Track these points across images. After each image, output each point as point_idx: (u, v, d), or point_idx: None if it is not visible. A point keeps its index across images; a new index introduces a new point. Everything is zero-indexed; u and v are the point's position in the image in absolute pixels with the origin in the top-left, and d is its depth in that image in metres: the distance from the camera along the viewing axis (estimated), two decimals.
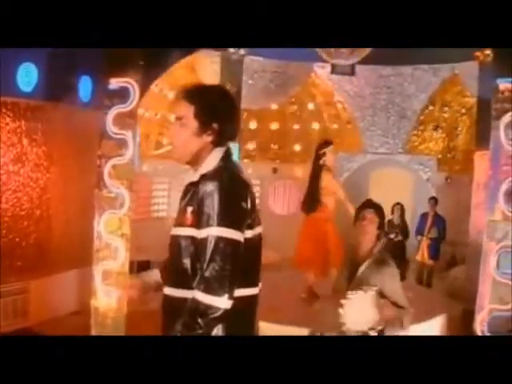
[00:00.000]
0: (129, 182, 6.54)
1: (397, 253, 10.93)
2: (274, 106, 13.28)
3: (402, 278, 10.67)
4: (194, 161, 2.69)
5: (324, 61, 9.47)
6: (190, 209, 2.59)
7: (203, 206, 2.52)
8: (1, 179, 8.10)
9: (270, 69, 11.49)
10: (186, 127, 2.66)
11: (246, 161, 12.93)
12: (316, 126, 13.78)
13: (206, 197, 2.52)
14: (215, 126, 2.65)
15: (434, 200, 11.00)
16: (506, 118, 6.39)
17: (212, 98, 2.69)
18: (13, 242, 8.22)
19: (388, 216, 11.03)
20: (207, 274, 2.46)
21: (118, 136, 6.51)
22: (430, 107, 12.87)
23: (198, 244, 2.53)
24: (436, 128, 13.08)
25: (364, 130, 13.14)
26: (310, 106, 13.61)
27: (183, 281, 2.60)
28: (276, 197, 13.85)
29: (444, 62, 11.10)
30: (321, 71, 12.50)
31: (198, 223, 2.53)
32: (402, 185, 13.28)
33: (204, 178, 2.60)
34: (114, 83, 6.49)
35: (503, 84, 6.28)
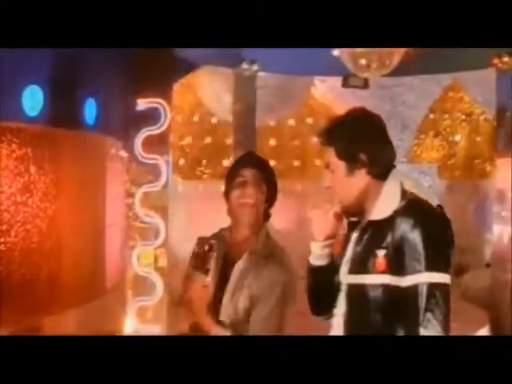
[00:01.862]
0: (163, 210, 6.06)
1: None
2: (273, 123, 12.91)
3: None
4: (361, 202, 2.35)
5: (348, 73, 9.20)
6: (381, 252, 2.20)
7: (404, 249, 2.16)
8: (9, 211, 7.55)
9: (273, 83, 11.10)
10: (335, 172, 2.35)
11: None
12: (315, 140, 13.46)
13: (406, 238, 2.17)
14: (363, 156, 2.32)
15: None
16: None
17: (345, 129, 2.37)
18: (24, 278, 7.64)
19: None
20: (424, 327, 2.12)
21: (149, 161, 6.03)
22: (431, 115, 12.76)
23: (399, 293, 2.17)
24: (436, 136, 12.95)
25: None
26: (309, 120, 13.29)
27: None
28: (276, 213, 13.46)
29: (447, 71, 10.92)
30: (321, 85, 12.20)
31: (396, 269, 2.18)
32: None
33: (397, 214, 2.23)
34: (143, 104, 6.00)
35: None
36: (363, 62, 7.48)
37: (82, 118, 8.11)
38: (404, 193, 2.29)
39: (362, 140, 2.33)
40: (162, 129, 6.00)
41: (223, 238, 2.74)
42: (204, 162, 13.80)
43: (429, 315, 2.11)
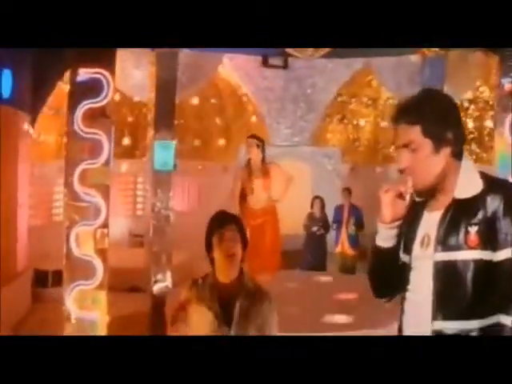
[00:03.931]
0: (104, 188, 5.69)
1: (319, 246, 10.87)
2: (176, 101, 12.57)
3: (323, 268, 10.75)
4: (438, 181, 2.35)
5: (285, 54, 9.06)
6: (473, 229, 2.25)
7: (496, 225, 2.23)
8: None
9: (183, 60, 10.75)
10: (419, 151, 2.32)
11: (144, 158, 12.27)
12: (218, 120, 13.27)
13: (498, 214, 2.23)
14: (449, 135, 2.31)
15: (347, 191, 10.93)
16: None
17: (431, 107, 2.33)
18: None
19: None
20: None
21: (90, 136, 5.64)
22: (338, 99, 12.93)
23: (493, 267, 2.24)
24: (342, 119, 13.13)
25: (271, 122, 12.84)
26: (213, 99, 13.07)
27: (465, 311, 2.27)
28: (176, 194, 13.18)
29: (362, 56, 11.07)
30: (229, 62, 12.01)
31: (489, 244, 2.24)
32: (303, 177, 13.15)
33: (486, 192, 2.28)
34: (84, 74, 5.58)
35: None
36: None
37: None
38: (479, 172, 2.35)
39: (447, 118, 2.33)
40: (105, 101, 5.58)
41: (210, 282, 3.26)
42: None
43: None
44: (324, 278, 9.10)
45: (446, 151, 2.31)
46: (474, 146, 12.40)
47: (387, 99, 12.49)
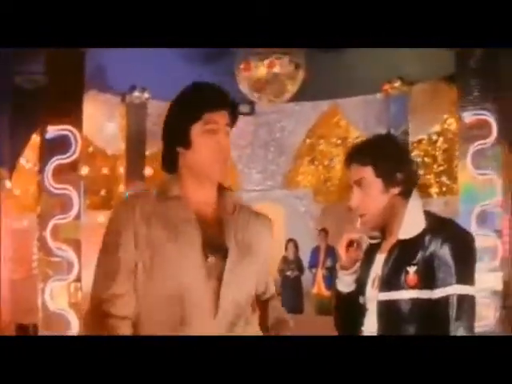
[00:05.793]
0: (76, 242, 5.78)
1: (294, 288, 10.91)
2: (149, 152, 12.67)
3: (300, 311, 10.79)
4: (385, 220, 2.42)
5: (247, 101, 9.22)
6: (412, 269, 2.30)
7: (434, 265, 2.28)
8: None
9: (154, 111, 10.93)
10: (369, 189, 2.39)
11: None
12: None
13: (437, 254, 2.28)
14: (400, 176, 2.39)
15: (324, 232, 10.95)
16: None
17: (381, 149, 2.43)
18: None
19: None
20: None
21: (60, 191, 5.75)
22: (307, 141, 13.05)
23: (430, 305, 2.28)
24: (312, 160, 13.29)
25: (242, 168, 12.95)
26: None
27: None
28: None
29: (329, 97, 11.34)
30: None
31: (427, 283, 2.29)
32: (276, 220, 13.16)
33: (426, 232, 2.32)
34: (52, 131, 5.72)
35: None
36: (263, 88, 7.55)
37: None
38: (427, 212, 2.41)
39: (397, 159, 2.42)
40: (73, 157, 5.71)
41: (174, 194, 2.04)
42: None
43: (458, 324, 2.23)
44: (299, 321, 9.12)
45: (394, 191, 2.38)
46: (444, 178, 12.55)
47: (356, 138, 12.64)
